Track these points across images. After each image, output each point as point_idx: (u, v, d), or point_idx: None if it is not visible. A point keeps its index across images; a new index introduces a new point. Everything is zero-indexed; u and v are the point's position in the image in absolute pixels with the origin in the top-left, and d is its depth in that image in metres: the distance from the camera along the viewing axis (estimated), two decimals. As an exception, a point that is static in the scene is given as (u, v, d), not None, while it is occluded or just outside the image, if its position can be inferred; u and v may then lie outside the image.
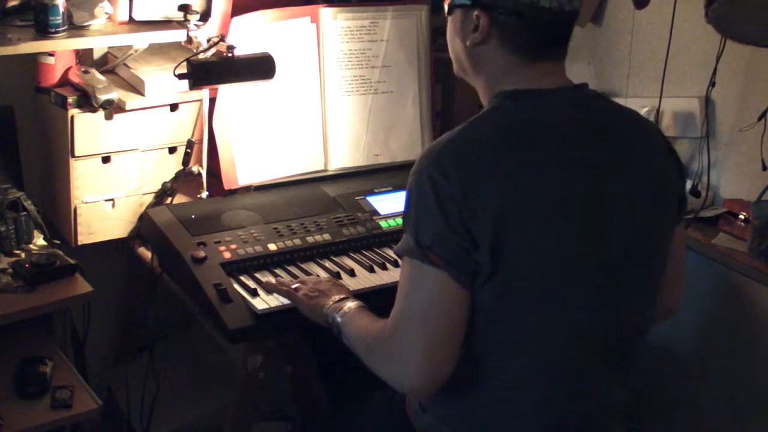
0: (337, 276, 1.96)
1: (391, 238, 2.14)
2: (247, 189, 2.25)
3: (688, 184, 2.24)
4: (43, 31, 1.90)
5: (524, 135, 1.44)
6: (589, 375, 1.52)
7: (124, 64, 2.18)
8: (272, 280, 1.93)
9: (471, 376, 1.49)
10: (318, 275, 1.93)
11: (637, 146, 1.52)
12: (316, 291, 1.77)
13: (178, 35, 2.08)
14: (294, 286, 1.82)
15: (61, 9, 1.90)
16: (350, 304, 1.66)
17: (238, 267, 1.95)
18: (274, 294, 1.84)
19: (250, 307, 1.82)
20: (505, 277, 1.40)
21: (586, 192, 1.44)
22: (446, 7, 1.55)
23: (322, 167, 2.34)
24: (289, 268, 1.98)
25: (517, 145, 1.43)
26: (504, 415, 1.50)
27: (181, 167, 2.20)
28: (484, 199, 1.38)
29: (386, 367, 1.48)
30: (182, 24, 2.08)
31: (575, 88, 1.52)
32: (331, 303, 1.69)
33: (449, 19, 1.56)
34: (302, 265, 2.00)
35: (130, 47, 2.14)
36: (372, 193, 2.27)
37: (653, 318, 1.60)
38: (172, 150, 2.22)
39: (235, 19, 2.15)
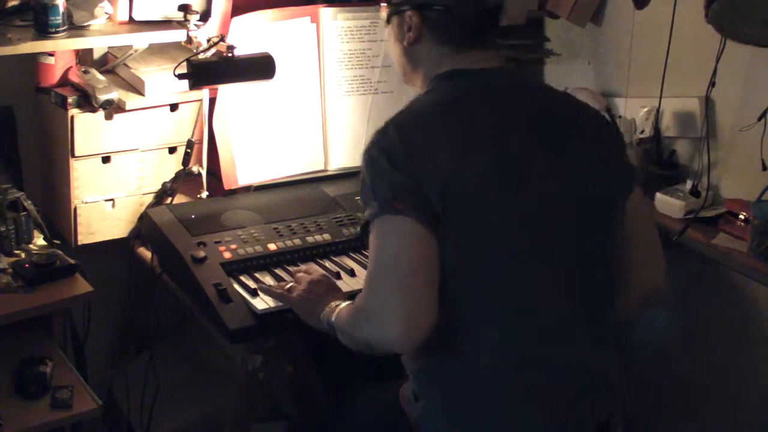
0: (337, 276, 1.96)
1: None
2: (247, 189, 2.25)
3: (688, 184, 2.24)
4: (43, 31, 1.90)
5: (461, 105, 1.56)
6: (567, 344, 1.54)
7: (124, 64, 2.18)
8: (272, 280, 1.93)
9: (451, 353, 1.51)
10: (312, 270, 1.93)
11: (572, 114, 1.63)
12: (312, 294, 1.76)
13: (178, 35, 2.08)
14: (288, 286, 1.82)
15: (61, 9, 1.90)
16: (343, 304, 1.67)
17: (238, 267, 1.95)
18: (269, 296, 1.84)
19: (250, 307, 1.82)
20: (457, 240, 1.46)
21: (525, 157, 1.52)
22: (383, 17, 1.71)
23: (322, 167, 2.34)
24: (289, 268, 1.98)
25: (455, 114, 1.54)
26: (487, 386, 1.51)
27: (181, 167, 2.20)
28: (428, 165, 1.47)
29: (370, 329, 1.48)
30: (182, 24, 2.08)
31: (507, 70, 1.67)
32: (329, 309, 1.68)
33: (388, 29, 1.70)
34: (302, 265, 2.00)
35: (130, 47, 2.14)
36: (372, 193, 2.27)
37: (621, 285, 1.62)
38: (172, 150, 2.22)
39: (235, 19, 2.15)
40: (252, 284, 1.89)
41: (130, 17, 2.06)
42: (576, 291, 1.54)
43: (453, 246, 1.46)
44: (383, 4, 1.72)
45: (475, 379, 1.52)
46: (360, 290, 1.88)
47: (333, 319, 1.64)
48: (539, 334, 1.52)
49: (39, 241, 2.09)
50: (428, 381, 1.58)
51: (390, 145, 1.50)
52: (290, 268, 1.98)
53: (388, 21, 1.69)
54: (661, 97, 2.25)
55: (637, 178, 1.67)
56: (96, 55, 2.19)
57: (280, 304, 1.81)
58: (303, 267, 1.93)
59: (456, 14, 1.58)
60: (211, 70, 2.02)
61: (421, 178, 1.46)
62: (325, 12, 2.30)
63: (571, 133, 1.59)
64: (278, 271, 1.96)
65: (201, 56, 2.03)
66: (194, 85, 2.02)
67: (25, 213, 2.04)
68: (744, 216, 2.10)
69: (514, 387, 1.52)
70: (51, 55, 2.07)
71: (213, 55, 2.05)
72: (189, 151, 2.19)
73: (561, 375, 1.54)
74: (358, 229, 1.56)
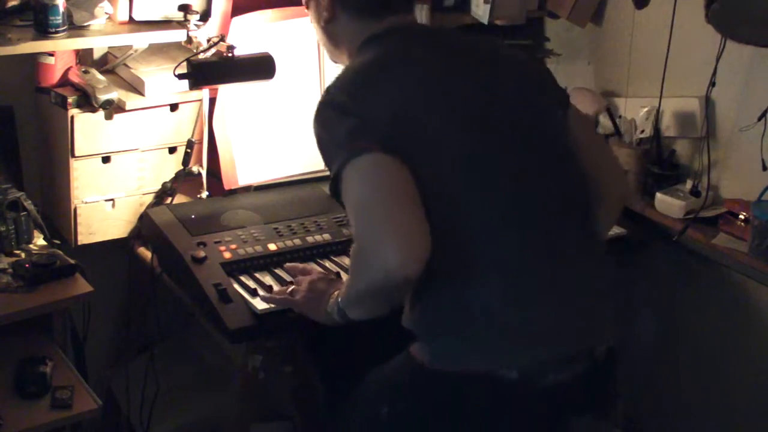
0: (337, 276, 1.96)
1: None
2: (247, 189, 2.25)
3: (688, 184, 2.24)
4: (43, 31, 1.90)
5: (392, 54, 1.61)
6: (551, 245, 1.57)
7: (124, 64, 2.18)
8: (272, 280, 1.93)
9: (453, 281, 1.53)
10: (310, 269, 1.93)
11: (492, 46, 1.73)
12: (315, 292, 1.75)
13: (178, 35, 2.08)
14: (290, 290, 1.81)
15: (61, 9, 1.90)
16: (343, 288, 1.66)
17: (238, 267, 1.95)
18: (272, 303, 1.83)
19: (250, 307, 1.82)
20: (421, 173, 1.49)
21: (462, 85, 1.59)
22: (304, 2, 1.78)
23: (322, 167, 2.33)
24: (288, 269, 1.98)
25: (388, 60, 1.60)
26: (481, 291, 1.52)
27: (181, 167, 2.20)
28: (374, 102, 1.52)
29: (372, 266, 1.47)
30: (182, 24, 2.08)
31: (425, 24, 1.75)
32: (332, 300, 1.68)
33: (308, 13, 1.78)
34: (299, 264, 2.00)
35: (130, 47, 2.13)
36: (372, 193, 2.27)
37: (586, 196, 1.65)
38: (172, 150, 2.22)
39: (235, 19, 2.15)
40: (252, 284, 1.89)
41: (130, 17, 2.06)
42: (549, 199, 1.58)
43: (421, 170, 1.49)
44: None
45: (483, 298, 1.52)
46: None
47: (339, 301, 1.64)
48: (530, 239, 1.54)
49: (39, 241, 2.09)
50: (434, 316, 1.57)
51: (334, 98, 1.55)
52: (288, 267, 1.97)
53: (307, 5, 1.77)
54: (661, 97, 2.25)
55: (566, 95, 1.75)
56: (96, 55, 2.19)
57: (279, 305, 1.81)
58: (300, 266, 1.92)
59: None
60: (211, 70, 2.02)
61: (373, 119, 1.50)
62: (325, 12, 2.30)
63: (500, 61, 1.68)
64: (278, 271, 1.96)
65: (201, 56, 2.03)
66: (194, 85, 2.02)
67: (25, 213, 2.04)
68: (744, 216, 2.10)
69: (510, 290, 1.53)
70: (51, 55, 2.07)
71: (213, 55, 2.05)
72: (189, 151, 2.19)
73: (564, 282, 1.56)
74: (328, 190, 1.55)
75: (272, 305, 1.81)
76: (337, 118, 1.53)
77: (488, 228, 1.53)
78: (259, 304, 1.82)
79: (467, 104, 1.57)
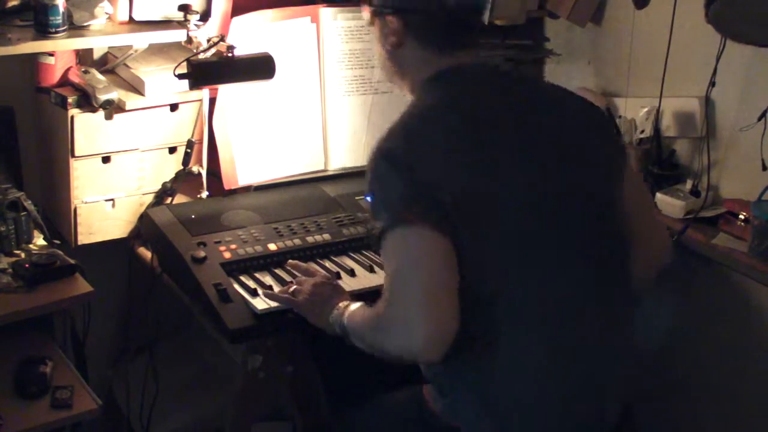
0: (337, 276, 1.96)
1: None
2: (247, 189, 2.25)
3: (688, 184, 2.24)
4: (43, 31, 1.90)
5: (458, 105, 1.56)
6: (587, 333, 1.55)
7: (124, 64, 2.17)
8: (272, 280, 1.93)
9: (479, 353, 1.52)
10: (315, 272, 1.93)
11: (563, 105, 1.66)
12: (319, 297, 1.76)
13: (178, 35, 2.08)
14: (291, 289, 1.81)
15: (61, 9, 1.90)
16: (353, 306, 1.67)
17: (238, 267, 1.95)
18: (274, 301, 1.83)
19: (250, 307, 1.82)
20: (468, 236, 1.46)
21: (525, 151, 1.54)
22: (366, 18, 1.71)
23: (322, 167, 2.34)
24: (290, 268, 1.98)
25: (454, 114, 1.55)
26: (514, 387, 1.52)
27: (181, 167, 2.20)
28: (435, 166, 1.48)
29: (393, 337, 1.48)
30: (182, 24, 2.08)
31: (492, 64, 1.70)
32: (337, 311, 1.69)
33: (373, 31, 1.70)
34: (301, 264, 2.00)
35: (130, 47, 2.13)
36: (372, 193, 2.27)
37: (636, 263, 1.64)
38: (172, 150, 2.21)
39: (235, 19, 2.15)
40: (252, 284, 1.89)
41: (130, 17, 2.06)
42: (596, 275, 1.56)
43: (471, 244, 1.46)
44: (365, 5, 1.72)
45: (505, 382, 1.53)
46: (361, 290, 1.90)
47: (345, 321, 1.64)
48: (566, 328, 1.53)
49: (39, 241, 2.09)
50: (455, 382, 1.58)
51: (395, 154, 1.50)
52: (291, 264, 1.97)
53: (371, 23, 1.70)
54: (661, 97, 2.25)
55: (627, 155, 1.72)
56: (96, 55, 2.19)
57: (280, 303, 1.81)
58: (303, 266, 1.93)
59: (437, 19, 1.59)
60: (211, 70, 2.02)
61: (431, 181, 1.46)
62: (325, 12, 2.30)
63: (564, 123, 1.61)
64: (278, 271, 1.96)
65: (201, 56, 2.03)
66: (194, 85, 2.02)
67: (25, 213, 2.04)
68: (744, 216, 2.10)
69: (545, 387, 1.53)
70: (51, 55, 2.07)
71: (213, 55, 2.05)
72: (189, 151, 2.19)
73: (589, 362, 1.56)
74: (366, 229, 1.55)
75: (273, 304, 1.81)
76: (393, 176, 1.49)
77: (521, 312, 1.51)
78: (259, 304, 1.82)
79: (526, 174, 1.53)
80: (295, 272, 1.92)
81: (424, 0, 1.59)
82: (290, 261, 1.96)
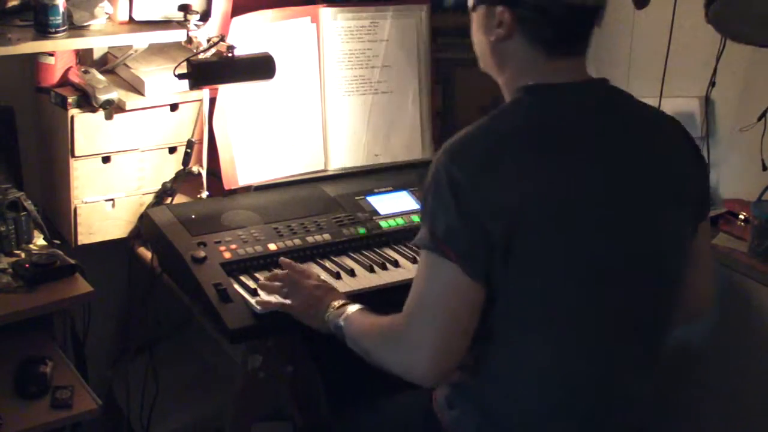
0: (337, 276, 1.96)
1: (391, 238, 2.14)
2: (247, 189, 2.25)
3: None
4: (43, 31, 1.90)
5: (543, 129, 1.46)
6: (612, 369, 1.53)
7: (124, 64, 2.17)
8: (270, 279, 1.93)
9: (493, 370, 1.51)
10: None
11: (656, 143, 1.53)
12: (313, 299, 1.75)
13: (178, 35, 2.08)
14: (285, 291, 1.80)
15: (61, 9, 1.90)
16: (351, 308, 1.67)
17: (238, 267, 1.95)
18: (268, 296, 1.82)
19: (250, 307, 1.82)
20: (516, 269, 1.42)
21: (602, 187, 1.46)
22: (470, 3, 1.56)
23: (322, 167, 2.34)
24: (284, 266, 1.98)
25: (535, 139, 1.45)
26: (523, 408, 1.51)
27: (181, 167, 2.20)
28: (499, 192, 1.39)
29: (397, 357, 1.49)
30: (182, 24, 2.08)
31: (596, 83, 1.54)
32: (333, 311, 1.69)
33: (473, 15, 1.57)
34: (302, 265, 2.00)
35: (130, 47, 2.13)
36: (372, 193, 2.27)
37: (675, 314, 1.60)
38: (172, 150, 2.21)
39: (235, 19, 2.15)
40: (252, 284, 1.89)
41: (130, 17, 2.06)
42: (631, 320, 1.52)
43: (513, 273, 1.42)
44: None
45: (515, 401, 1.52)
46: (361, 290, 1.90)
47: (341, 322, 1.64)
48: (588, 359, 1.50)
49: (39, 241, 2.09)
50: (464, 395, 1.58)
51: (458, 171, 1.41)
52: (283, 262, 1.97)
53: (474, 8, 1.55)
54: (661, 97, 2.24)
55: (709, 205, 1.63)
56: (96, 55, 2.19)
57: (274, 308, 1.80)
58: (296, 266, 1.90)
59: (553, 15, 1.45)
60: (211, 70, 2.02)
61: (487, 212, 1.39)
62: (325, 12, 2.30)
63: (647, 163, 1.50)
64: (278, 272, 1.96)
65: (201, 56, 2.03)
66: (194, 85, 2.02)
67: (25, 213, 2.04)
68: (744, 216, 2.10)
69: (555, 412, 1.52)
70: (51, 55, 2.07)
71: (213, 55, 2.05)
72: (189, 151, 2.19)
73: (602, 399, 1.54)
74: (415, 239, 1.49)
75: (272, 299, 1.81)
76: (448, 198, 1.40)
77: (544, 344, 1.48)
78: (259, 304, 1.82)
79: (596, 223, 1.45)
80: (288, 271, 1.90)
81: None
82: (282, 259, 1.93)
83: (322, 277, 1.94)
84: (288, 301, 1.78)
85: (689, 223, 1.57)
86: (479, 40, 1.57)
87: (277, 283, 1.83)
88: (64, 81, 2.11)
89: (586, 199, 1.44)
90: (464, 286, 1.41)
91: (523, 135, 1.45)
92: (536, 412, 1.52)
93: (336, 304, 1.70)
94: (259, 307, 1.80)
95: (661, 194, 1.50)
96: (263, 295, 1.82)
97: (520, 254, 1.40)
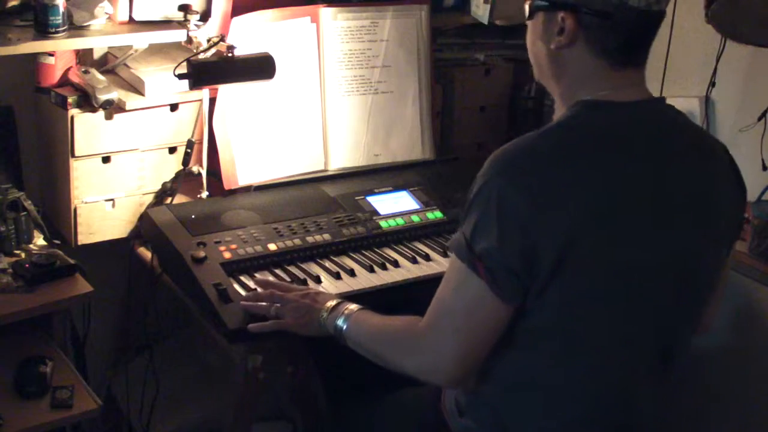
0: (337, 276, 1.96)
1: (391, 238, 2.14)
2: (247, 189, 2.25)
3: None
4: (43, 31, 1.90)
5: (599, 148, 1.42)
6: (633, 389, 1.53)
7: (124, 64, 2.17)
8: (272, 280, 1.92)
9: (511, 385, 1.50)
10: (311, 277, 1.93)
11: (699, 164, 1.50)
12: (303, 308, 1.73)
13: (178, 35, 2.08)
14: (273, 311, 1.76)
15: (61, 9, 1.90)
16: (351, 307, 1.66)
17: (238, 267, 1.95)
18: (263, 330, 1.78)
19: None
20: (560, 290, 1.39)
21: (651, 209, 1.43)
22: (526, 10, 1.50)
23: (322, 167, 2.34)
24: (289, 268, 1.98)
25: (590, 157, 1.41)
26: (543, 425, 1.51)
27: (181, 167, 2.20)
28: (555, 209, 1.36)
29: (417, 362, 1.48)
30: (182, 24, 2.08)
31: (654, 102, 1.50)
32: (327, 312, 1.68)
33: (529, 22, 1.51)
34: (302, 265, 2.00)
35: (130, 47, 2.13)
36: (372, 193, 2.27)
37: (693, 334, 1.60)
38: (172, 150, 2.21)
39: (235, 19, 2.15)
40: (252, 284, 1.89)
41: (130, 17, 2.06)
42: (659, 346, 1.52)
43: (552, 297, 1.40)
44: None
45: (529, 418, 1.51)
46: (361, 290, 1.91)
47: (341, 323, 1.63)
48: (608, 386, 1.50)
49: (39, 241, 2.09)
50: (476, 403, 1.57)
51: (510, 186, 1.36)
52: (290, 269, 1.98)
53: (531, 15, 1.49)
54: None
55: (740, 233, 1.61)
56: (96, 55, 2.19)
57: (269, 329, 1.78)
58: (276, 283, 1.87)
59: (618, 21, 1.39)
60: (211, 70, 2.02)
61: (543, 235, 1.35)
62: (325, 12, 2.30)
63: (701, 191, 1.48)
64: (278, 271, 1.96)
65: (201, 56, 2.03)
66: (194, 85, 2.02)
67: (25, 213, 2.04)
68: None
69: (571, 427, 1.52)
70: (51, 55, 2.07)
71: (213, 55, 2.05)
72: (189, 151, 2.19)
73: (615, 422, 1.54)
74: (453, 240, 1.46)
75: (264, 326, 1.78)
76: (493, 218, 1.36)
77: (570, 364, 1.48)
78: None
79: (642, 250, 1.42)
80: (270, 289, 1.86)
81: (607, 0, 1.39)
82: (257, 278, 1.89)
83: (321, 278, 1.94)
84: (280, 320, 1.75)
85: (725, 246, 1.56)
86: (536, 48, 1.50)
87: (262, 304, 1.79)
88: (64, 81, 2.11)
89: (637, 222, 1.42)
90: (492, 305, 1.40)
91: (578, 150, 1.41)
92: (551, 426, 1.51)
93: (329, 305, 1.69)
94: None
95: (705, 214, 1.48)
96: (253, 324, 1.78)
97: (567, 276, 1.38)
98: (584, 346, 1.46)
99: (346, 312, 1.65)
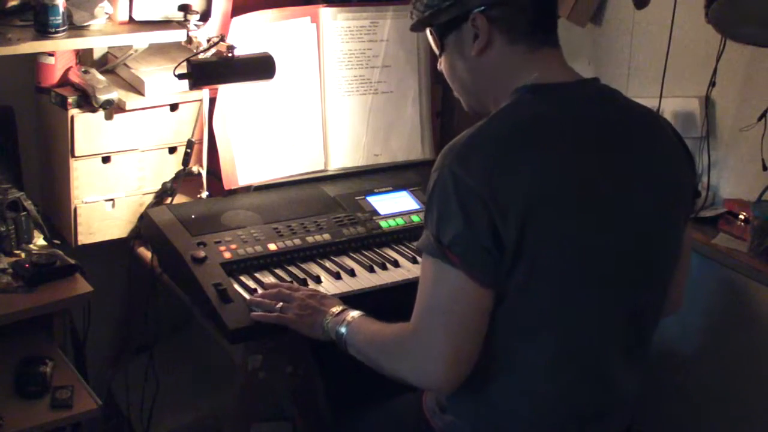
0: (337, 276, 1.96)
1: (391, 238, 2.14)
2: (247, 189, 2.25)
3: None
4: (43, 31, 1.90)
5: (544, 127, 1.45)
6: (607, 365, 1.54)
7: (124, 64, 2.18)
8: (273, 280, 1.93)
9: (491, 370, 1.50)
10: (311, 277, 1.93)
11: (650, 140, 1.54)
12: (308, 309, 1.74)
13: (178, 35, 2.08)
14: (278, 305, 1.78)
15: (61, 9, 1.90)
16: (353, 314, 1.66)
17: (238, 267, 1.95)
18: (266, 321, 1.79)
19: (250, 308, 1.81)
20: (526, 270, 1.41)
21: (604, 183, 1.46)
22: (435, 46, 1.57)
23: (322, 167, 2.34)
24: (289, 268, 1.98)
25: (538, 137, 1.44)
26: (523, 407, 1.51)
27: (181, 167, 2.20)
28: (509, 191, 1.38)
29: (410, 366, 1.48)
30: (182, 24, 2.08)
31: (590, 81, 1.55)
32: (331, 317, 1.68)
33: (443, 57, 1.57)
34: (302, 265, 2.00)
35: (130, 47, 2.14)
36: (372, 193, 2.27)
37: (663, 309, 1.62)
38: (172, 150, 2.22)
39: (235, 19, 2.15)
40: (252, 284, 1.89)
41: (130, 17, 2.06)
42: (629, 318, 1.53)
43: (513, 285, 1.42)
44: (428, 30, 1.58)
45: (510, 401, 1.52)
46: (361, 290, 1.91)
47: (343, 329, 1.63)
48: (584, 359, 1.51)
49: (39, 241, 2.09)
50: (457, 397, 1.57)
51: (465, 173, 1.39)
52: (290, 269, 1.98)
53: (442, 48, 1.56)
54: (661, 97, 2.24)
55: (696, 202, 1.65)
56: (96, 55, 2.19)
57: (271, 322, 1.79)
58: (285, 284, 1.88)
59: (519, 5, 1.47)
60: (211, 70, 2.02)
61: (498, 214, 1.37)
62: (325, 12, 2.30)
63: (650, 161, 1.52)
64: (278, 271, 1.97)
65: (201, 56, 2.03)
66: (194, 85, 2.02)
67: (25, 213, 2.04)
68: (744, 216, 2.10)
69: (550, 409, 1.52)
70: (51, 55, 2.07)
71: (213, 55, 2.05)
72: (189, 151, 2.19)
73: (595, 396, 1.55)
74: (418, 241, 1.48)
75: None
76: (453, 204, 1.39)
77: (542, 344, 1.48)
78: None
79: (600, 220, 1.45)
80: (278, 286, 1.87)
81: None
82: (266, 285, 1.90)
83: (321, 278, 1.94)
84: (283, 314, 1.76)
85: (682, 218, 1.58)
86: (458, 70, 1.56)
87: (267, 300, 1.80)
88: (64, 81, 2.11)
89: (592, 196, 1.45)
90: (472, 292, 1.41)
91: (527, 132, 1.44)
92: (532, 413, 1.52)
93: (334, 310, 1.69)
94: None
95: (662, 189, 1.52)
96: (256, 312, 1.80)
97: (530, 254, 1.40)
98: (554, 326, 1.47)
99: (347, 319, 1.64)
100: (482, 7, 1.47)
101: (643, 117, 1.58)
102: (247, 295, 1.84)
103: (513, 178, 1.39)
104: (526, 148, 1.42)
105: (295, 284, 1.89)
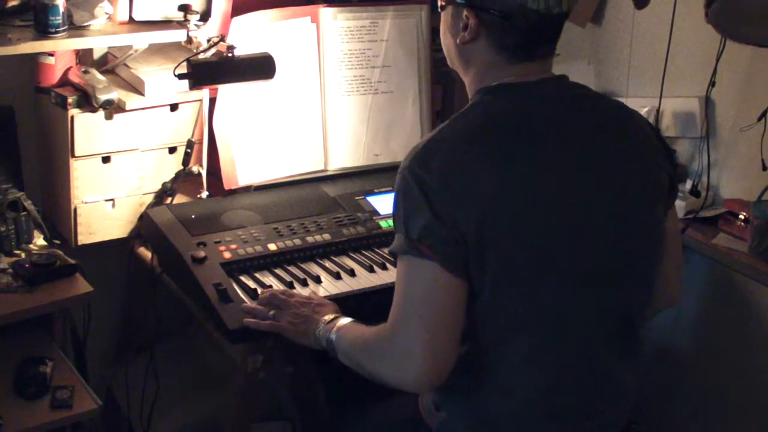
0: (337, 276, 1.96)
1: (391, 238, 2.12)
2: (247, 189, 2.25)
3: (688, 184, 2.24)
4: (43, 31, 1.90)
5: (504, 126, 1.47)
6: (595, 361, 1.54)
7: (124, 64, 2.18)
8: (273, 280, 1.93)
9: (478, 368, 1.50)
10: (311, 277, 1.93)
11: (620, 132, 1.55)
12: (301, 317, 1.73)
13: (178, 35, 2.08)
14: (270, 313, 1.77)
15: (61, 9, 1.90)
16: (343, 321, 1.65)
17: (238, 267, 1.95)
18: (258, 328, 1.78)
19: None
20: (494, 267, 1.42)
21: (573, 178, 1.47)
22: (439, 3, 1.58)
23: (322, 167, 2.34)
24: (289, 268, 1.98)
25: (497, 136, 1.46)
26: (512, 403, 1.51)
27: (181, 167, 2.20)
28: (465, 191, 1.41)
29: (389, 365, 1.48)
30: (182, 24, 2.08)
31: (555, 79, 1.55)
32: (323, 325, 1.67)
33: (442, 14, 1.58)
34: (302, 265, 2.00)
35: (130, 47, 2.14)
36: (372, 193, 2.27)
37: (651, 302, 1.61)
38: (172, 150, 2.22)
39: (235, 19, 2.15)
40: (252, 284, 1.89)
41: (130, 17, 2.06)
42: (613, 312, 1.53)
43: (491, 271, 1.43)
44: None
45: (502, 398, 1.52)
46: (360, 290, 1.90)
47: (332, 336, 1.62)
48: (571, 354, 1.51)
49: (39, 241, 2.09)
50: (451, 395, 1.57)
51: (425, 172, 1.42)
52: (290, 269, 1.98)
53: (442, 8, 1.56)
54: (661, 97, 2.24)
55: (676, 192, 1.65)
56: (96, 55, 2.19)
57: (263, 329, 1.78)
58: (280, 291, 1.86)
59: (518, 22, 1.45)
60: (211, 70, 2.02)
61: (458, 210, 1.40)
62: (325, 12, 2.30)
63: (618, 154, 1.52)
64: (278, 271, 1.97)
65: (201, 56, 2.03)
66: (194, 85, 2.02)
67: (25, 213, 2.04)
68: (744, 216, 2.10)
69: (542, 405, 1.52)
70: (51, 55, 2.07)
71: (213, 55, 2.05)
72: (189, 151, 2.19)
73: (588, 392, 1.55)
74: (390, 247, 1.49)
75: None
76: (419, 200, 1.42)
77: (526, 336, 1.48)
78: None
79: (565, 215, 1.45)
80: (297, 275, 1.90)
81: (505, 1, 1.44)
82: (262, 291, 1.88)
83: (321, 278, 1.94)
84: (275, 322, 1.75)
85: (660, 209, 1.58)
86: (446, 39, 1.59)
87: (261, 307, 1.79)
88: (64, 81, 2.11)
89: (556, 192, 1.45)
90: (446, 283, 1.41)
91: (485, 133, 1.46)
92: (525, 410, 1.52)
93: (326, 318, 1.68)
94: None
95: (636, 183, 1.52)
96: (249, 319, 1.78)
97: (492, 252, 1.41)
98: (535, 325, 1.47)
99: (338, 325, 1.64)
100: (475, 7, 1.47)
101: (612, 111, 1.59)
102: (246, 296, 1.84)
103: (467, 178, 1.41)
104: (479, 150, 1.44)
105: (289, 290, 1.87)
